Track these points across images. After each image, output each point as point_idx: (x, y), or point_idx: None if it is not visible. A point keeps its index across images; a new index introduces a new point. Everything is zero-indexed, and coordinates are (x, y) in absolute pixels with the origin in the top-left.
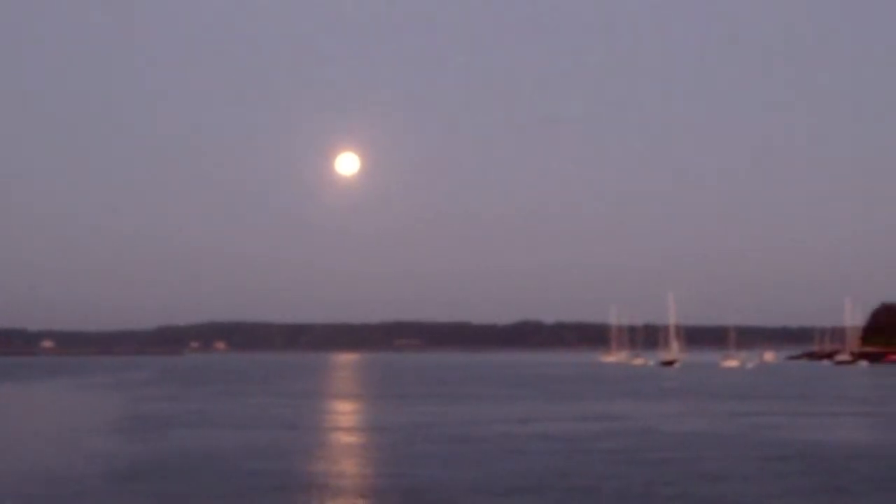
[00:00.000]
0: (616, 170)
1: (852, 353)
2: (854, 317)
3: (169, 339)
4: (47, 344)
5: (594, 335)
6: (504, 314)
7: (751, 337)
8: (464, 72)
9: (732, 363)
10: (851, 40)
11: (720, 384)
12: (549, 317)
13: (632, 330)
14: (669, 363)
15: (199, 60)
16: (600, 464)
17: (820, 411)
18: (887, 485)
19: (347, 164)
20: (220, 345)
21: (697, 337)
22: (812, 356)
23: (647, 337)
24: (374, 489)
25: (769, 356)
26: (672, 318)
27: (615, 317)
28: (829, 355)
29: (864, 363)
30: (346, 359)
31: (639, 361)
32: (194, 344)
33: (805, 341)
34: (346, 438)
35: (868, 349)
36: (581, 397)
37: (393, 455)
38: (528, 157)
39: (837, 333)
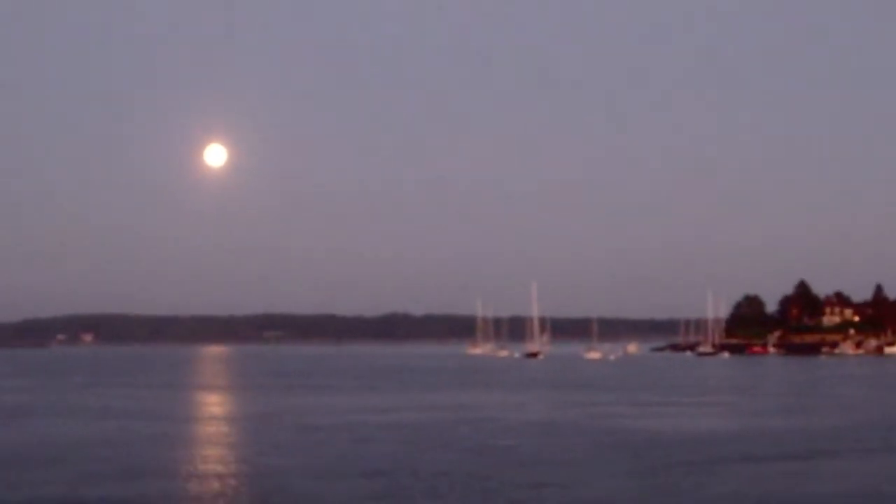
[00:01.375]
0: (478, 161)
1: (714, 345)
2: (717, 309)
3: (34, 332)
4: None
5: (462, 327)
6: (372, 306)
7: (617, 329)
8: (334, 63)
9: (595, 355)
10: None
11: (578, 375)
12: (417, 309)
13: (497, 322)
14: (533, 355)
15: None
16: (439, 451)
17: (666, 401)
18: (701, 467)
19: (215, 155)
20: (87, 337)
21: (565, 329)
22: (675, 348)
23: (515, 329)
24: (219, 474)
25: (632, 348)
26: (535, 309)
27: (481, 309)
28: (692, 347)
29: (725, 354)
30: (213, 351)
31: (503, 353)
32: (60, 337)
33: (671, 333)
34: (203, 428)
35: (731, 341)
36: (438, 388)
37: (244, 443)
38: (400, 148)
39: (701, 325)
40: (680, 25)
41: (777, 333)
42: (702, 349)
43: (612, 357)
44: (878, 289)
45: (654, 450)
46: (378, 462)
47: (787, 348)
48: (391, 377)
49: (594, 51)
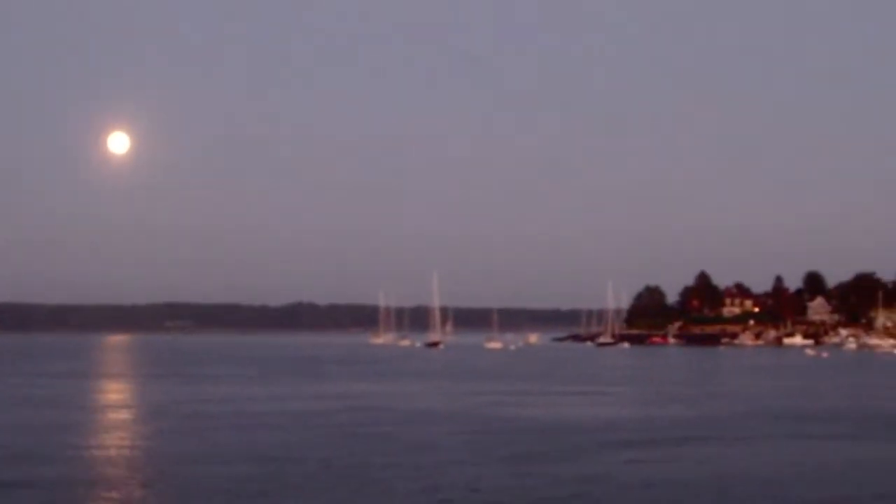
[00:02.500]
0: (384, 151)
1: (614, 335)
2: (619, 300)
3: None
4: None
5: (366, 317)
6: (277, 296)
7: (521, 319)
8: (236, 53)
9: (496, 345)
10: None
11: (474, 365)
12: (322, 299)
13: (400, 312)
14: (434, 344)
15: None
16: (322, 438)
17: (555, 391)
18: (574, 454)
19: (118, 143)
20: None
21: (469, 319)
22: (577, 338)
23: (419, 319)
24: (108, 460)
25: (533, 338)
26: (436, 299)
27: (383, 299)
28: (593, 337)
29: (625, 345)
30: (115, 341)
31: (405, 343)
32: None
33: (575, 324)
34: (97, 416)
35: (631, 331)
36: (334, 378)
37: (136, 431)
38: (303, 140)
39: (603, 316)
40: None
41: (677, 324)
42: (602, 340)
43: (512, 347)
44: (778, 280)
45: (532, 437)
46: (264, 449)
47: (688, 339)
48: (289, 367)
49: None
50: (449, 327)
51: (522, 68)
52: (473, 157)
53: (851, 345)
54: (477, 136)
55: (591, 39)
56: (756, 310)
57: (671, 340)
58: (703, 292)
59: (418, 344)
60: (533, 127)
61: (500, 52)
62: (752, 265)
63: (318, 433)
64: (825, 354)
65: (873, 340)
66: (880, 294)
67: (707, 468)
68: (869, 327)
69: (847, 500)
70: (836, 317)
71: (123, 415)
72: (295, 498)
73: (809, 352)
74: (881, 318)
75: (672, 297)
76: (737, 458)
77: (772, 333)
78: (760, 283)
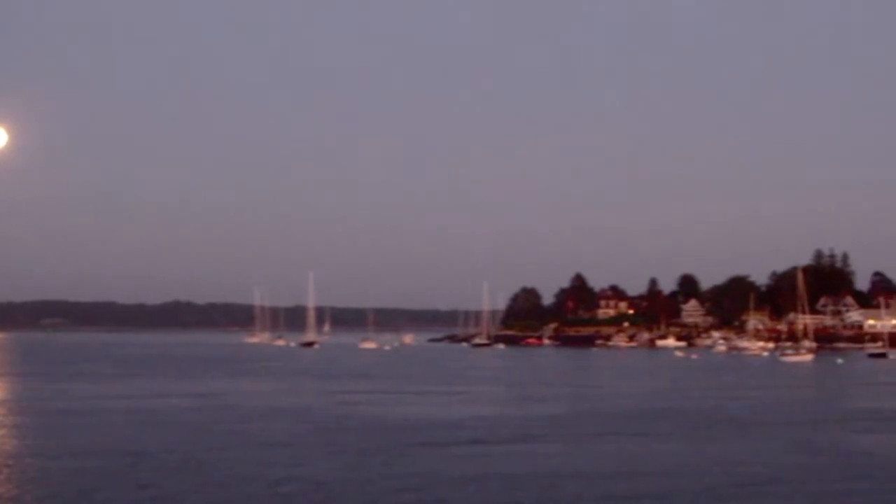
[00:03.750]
0: (263, 151)
1: (489, 336)
2: (495, 301)
3: None
4: None
5: (244, 316)
6: (154, 294)
7: (400, 319)
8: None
9: (370, 345)
10: None
11: (344, 365)
12: (200, 297)
13: (275, 311)
14: (309, 344)
15: None
16: (178, 434)
17: (419, 390)
18: (417, 450)
19: None
20: None
21: (349, 319)
22: (453, 339)
23: (297, 318)
24: None
25: (408, 339)
26: (311, 299)
27: (259, 298)
28: (469, 338)
29: (500, 346)
30: None
31: (280, 342)
32: None
33: (453, 324)
34: None
35: (507, 332)
36: (200, 376)
37: None
38: (179, 136)
39: (480, 317)
40: None
41: (553, 325)
42: (477, 341)
43: (387, 347)
44: (653, 283)
45: (382, 434)
46: (119, 444)
47: (563, 340)
48: (159, 365)
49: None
50: (327, 327)
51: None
52: (345, 155)
53: (722, 347)
54: (345, 137)
55: None
56: (631, 312)
57: (546, 342)
58: (579, 294)
59: (293, 344)
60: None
61: None
62: (628, 267)
63: (175, 430)
64: (694, 356)
65: (743, 343)
66: (752, 297)
67: (541, 464)
68: (741, 330)
69: (664, 495)
70: (709, 319)
71: None
72: (140, 490)
73: (679, 354)
74: (753, 321)
75: (548, 298)
76: (573, 455)
77: (645, 335)
78: (635, 286)
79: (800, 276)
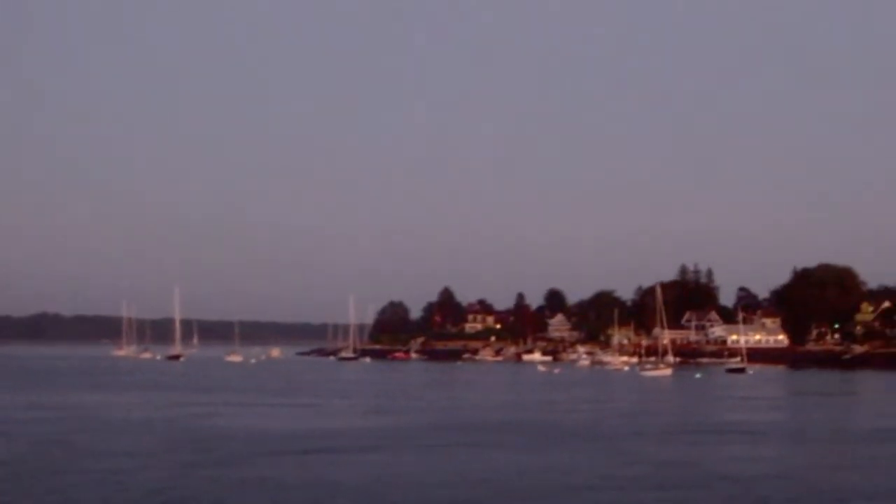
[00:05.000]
0: (119, 165)
1: (356, 350)
2: (364, 314)
3: None
4: None
5: (112, 329)
6: (20, 306)
7: (270, 332)
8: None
9: (236, 358)
10: None
11: (207, 378)
12: (68, 310)
13: (142, 324)
14: (175, 357)
15: None
16: (24, 446)
17: (270, 402)
18: (253, 459)
19: None
20: None
21: (218, 332)
22: (321, 353)
23: (165, 332)
24: None
25: (275, 352)
26: (177, 312)
27: (126, 310)
28: (337, 352)
29: (367, 360)
30: None
31: (147, 355)
32: None
33: (323, 338)
34: None
35: (375, 346)
36: (59, 388)
37: None
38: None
39: (348, 330)
40: None
41: (420, 339)
42: (344, 354)
43: (253, 361)
44: (520, 297)
45: (223, 445)
46: None
47: (430, 354)
48: (19, 377)
49: None
50: (196, 340)
51: None
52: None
53: (585, 362)
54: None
55: None
56: (498, 326)
57: (414, 356)
58: (447, 308)
59: (159, 357)
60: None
61: None
62: (496, 282)
63: (22, 442)
64: (557, 371)
65: (606, 358)
66: (616, 312)
67: (372, 472)
68: (607, 345)
69: (479, 500)
70: (575, 334)
71: None
72: None
73: (542, 368)
74: (618, 336)
75: (416, 312)
76: (407, 464)
77: (512, 350)
78: (503, 300)
79: (658, 292)
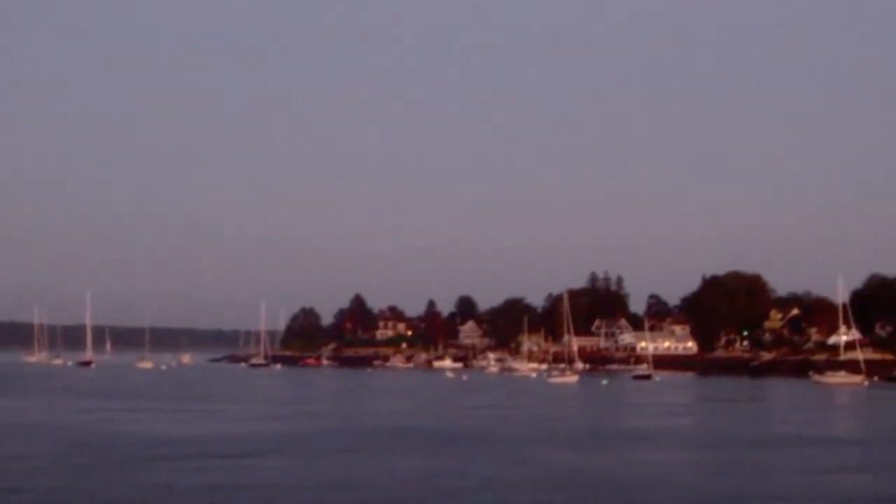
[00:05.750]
0: (32, 168)
1: (267, 357)
2: (277, 321)
3: None
4: None
5: (24, 335)
6: None
7: (183, 339)
8: None
9: (147, 365)
10: None
11: (115, 384)
12: None
13: (54, 330)
14: (87, 363)
15: None
16: None
17: (174, 408)
18: (152, 464)
19: None
20: None
21: (131, 338)
22: (233, 359)
23: (77, 338)
24: None
25: (186, 358)
26: (88, 318)
27: (37, 316)
28: (248, 358)
29: (278, 366)
30: None
31: (58, 361)
32: None
33: (236, 344)
34: None
35: (286, 353)
36: None
37: None
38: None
39: (260, 338)
40: None
41: (331, 346)
42: (255, 361)
43: (163, 367)
44: (431, 304)
45: (120, 450)
46: None
47: (341, 361)
48: None
49: None
50: (109, 346)
51: None
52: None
53: (494, 368)
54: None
55: None
56: (409, 333)
57: (325, 362)
58: (358, 315)
59: (70, 363)
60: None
61: None
62: (407, 289)
63: None
64: (465, 378)
65: (514, 364)
66: (526, 319)
67: (267, 477)
68: (517, 351)
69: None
70: (486, 341)
71: None
72: None
73: (450, 374)
74: (528, 343)
75: (328, 319)
76: (302, 469)
77: (423, 356)
78: (415, 307)
79: (565, 299)
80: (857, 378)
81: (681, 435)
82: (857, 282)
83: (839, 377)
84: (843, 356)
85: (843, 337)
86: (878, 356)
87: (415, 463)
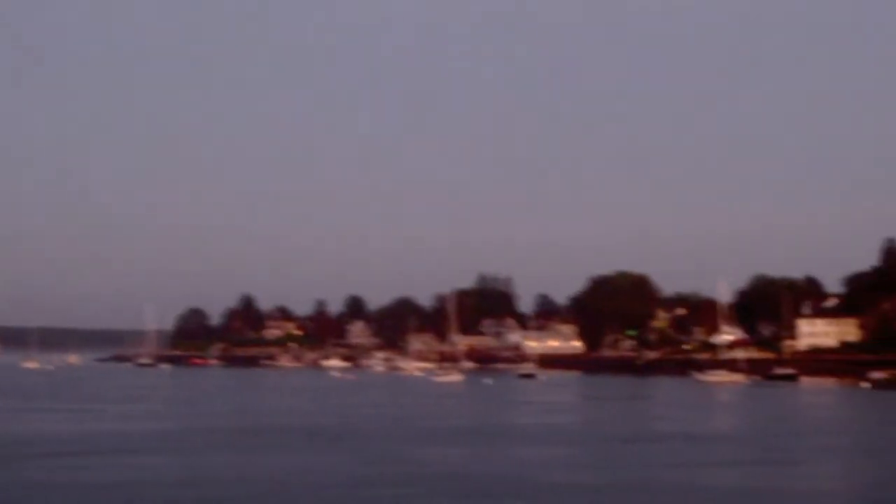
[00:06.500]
0: None
1: (154, 356)
2: (163, 320)
3: None
4: None
5: None
6: None
7: (71, 339)
8: None
9: (33, 364)
10: None
11: None
12: None
13: None
14: None
15: None
16: None
17: (47, 407)
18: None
19: None
20: None
21: (18, 338)
22: (120, 359)
23: None
24: None
25: (73, 358)
26: None
27: None
28: (135, 358)
29: (165, 366)
30: None
31: None
32: None
33: (124, 344)
34: None
35: (174, 352)
36: None
37: None
38: None
39: (146, 337)
40: None
41: (219, 345)
42: (142, 360)
43: (50, 367)
44: (320, 304)
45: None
46: None
47: (230, 360)
48: None
49: None
50: None
51: None
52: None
53: (381, 367)
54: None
55: None
56: (298, 332)
57: (213, 362)
58: (246, 315)
59: None
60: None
61: None
62: (297, 288)
63: None
64: (351, 377)
65: (401, 364)
66: (414, 318)
67: (131, 474)
68: (405, 351)
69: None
70: (375, 340)
71: None
72: None
73: (336, 374)
74: (416, 342)
75: (216, 318)
76: (166, 466)
77: (311, 356)
78: (304, 306)
79: (451, 299)
80: (737, 376)
81: (556, 432)
82: (743, 282)
83: (719, 376)
84: (724, 355)
85: (725, 336)
86: (759, 355)
87: (283, 460)
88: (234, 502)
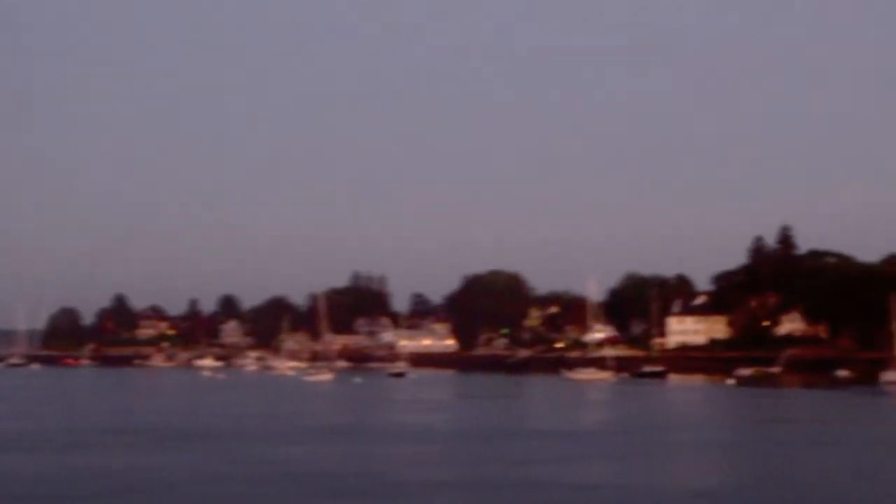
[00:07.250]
0: None
1: (25, 356)
2: (37, 320)
3: None
4: None
5: None
6: None
7: None
8: None
9: None
10: None
11: None
12: None
13: None
14: None
15: None
16: None
17: None
18: None
19: None
20: None
21: None
22: None
23: None
24: None
25: None
26: None
27: None
28: (5, 358)
29: (36, 366)
30: None
31: None
32: None
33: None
34: None
35: (46, 352)
36: None
37: None
38: None
39: (16, 336)
40: None
41: (91, 345)
42: (13, 360)
43: None
44: (193, 303)
45: None
46: None
47: (102, 360)
48: None
49: None
50: None
51: None
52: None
53: (252, 367)
54: None
55: None
56: (171, 332)
57: (85, 362)
58: (119, 314)
59: None
60: None
61: None
62: (170, 288)
63: None
64: (221, 376)
65: (273, 363)
66: (286, 318)
67: None
68: (279, 350)
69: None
70: (249, 339)
71: None
72: None
73: (207, 373)
74: (288, 342)
75: (89, 318)
76: (20, 464)
77: (184, 355)
78: (178, 306)
79: (322, 298)
80: (606, 374)
81: (420, 430)
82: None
83: (588, 373)
84: (594, 353)
85: (595, 335)
86: (629, 353)
87: (143, 459)
88: (86, 499)
